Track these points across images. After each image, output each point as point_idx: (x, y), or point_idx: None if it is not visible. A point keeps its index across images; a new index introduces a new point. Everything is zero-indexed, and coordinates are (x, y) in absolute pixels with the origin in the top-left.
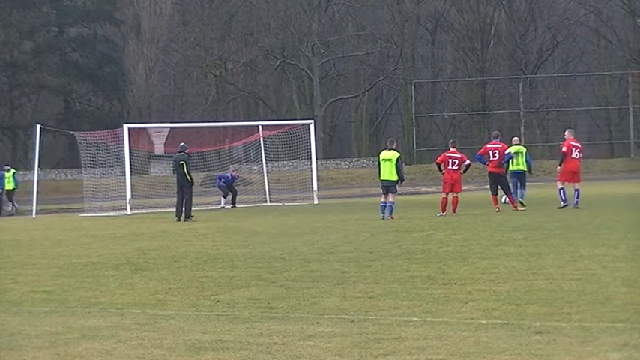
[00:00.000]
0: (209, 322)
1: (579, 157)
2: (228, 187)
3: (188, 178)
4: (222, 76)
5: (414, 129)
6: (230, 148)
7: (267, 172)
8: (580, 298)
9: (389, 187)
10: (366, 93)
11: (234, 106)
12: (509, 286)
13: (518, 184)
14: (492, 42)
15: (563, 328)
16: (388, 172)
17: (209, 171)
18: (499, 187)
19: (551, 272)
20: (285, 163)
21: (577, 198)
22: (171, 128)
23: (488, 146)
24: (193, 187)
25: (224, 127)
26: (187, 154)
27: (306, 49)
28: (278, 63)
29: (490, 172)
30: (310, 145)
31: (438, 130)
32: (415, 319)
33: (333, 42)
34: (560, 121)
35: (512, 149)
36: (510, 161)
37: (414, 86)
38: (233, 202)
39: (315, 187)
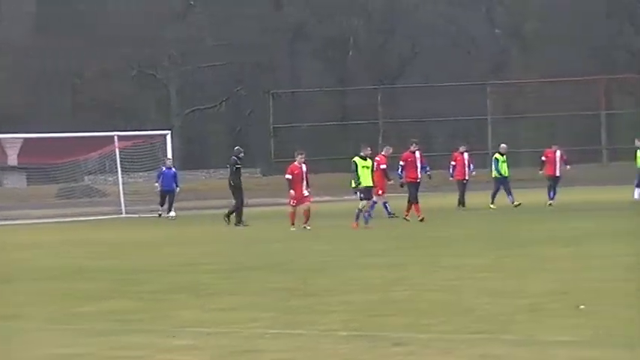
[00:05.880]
0: (66, 336)
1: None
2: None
3: (230, 182)
4: (79, 86)
5: (272, 139)
6: (85, 159)
7: (122, 184)
8: (441, 309)
9: (369, 191)
10: (225, 103)
11: (90, 116)
12: (369, 297)
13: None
14: (351, 52)
15: (422, 339)
16: (369, 178)
17: (64, 182)
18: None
19: (412, 283)
20: (141, 174)
21: (371, 209)
22: (25, 139)
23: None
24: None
25: (80, 137)
26: (237, 157)
27: (163, 59)
28: (135, 72)
29: (409, 182)
30: (167, 157)
31: (297, 141)
32: (274, 331)
33: (191, 51)
34: (419, 132)
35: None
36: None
37: (273, 96)
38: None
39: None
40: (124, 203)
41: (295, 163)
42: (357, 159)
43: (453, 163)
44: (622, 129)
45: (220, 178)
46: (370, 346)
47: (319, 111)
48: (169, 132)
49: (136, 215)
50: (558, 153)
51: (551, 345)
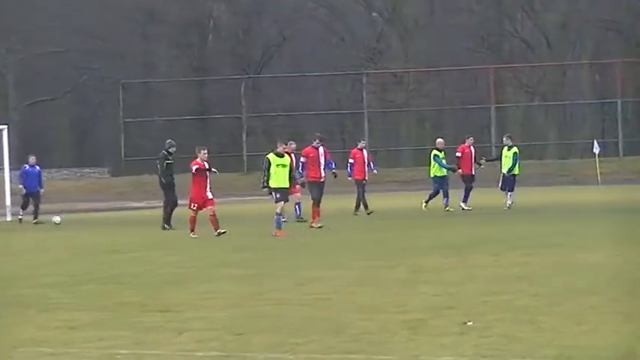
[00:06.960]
0: None
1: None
2: None
3: (161, 179)
4: None
5: (123, 135)
6: None
7: None
8: (309, 326)
9: (285, 193)
10: (69, 94)
11: None
12: (230, 313)
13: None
14: (211, 36)
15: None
16: (285, 178)
17: None
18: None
19: (278, 297)
20: None
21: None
22: None
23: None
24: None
25: None
26: (167, 151)
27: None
28: None
29: (310, 182)
30: (3, 154)
31: (151, 137)
32: (123, 351)
33: (30, 37)
34: (288, 127)
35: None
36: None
37: (123, 87)
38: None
39: (8, 202)
40: None
41: (197, 160)
42: (270, 156)
43: (351, 161)
44: (512, 124)
45: (64, 178)
46: None
47: (175, 103)
48: (5, 127)
49: None
50: (473, 149)
51: None
